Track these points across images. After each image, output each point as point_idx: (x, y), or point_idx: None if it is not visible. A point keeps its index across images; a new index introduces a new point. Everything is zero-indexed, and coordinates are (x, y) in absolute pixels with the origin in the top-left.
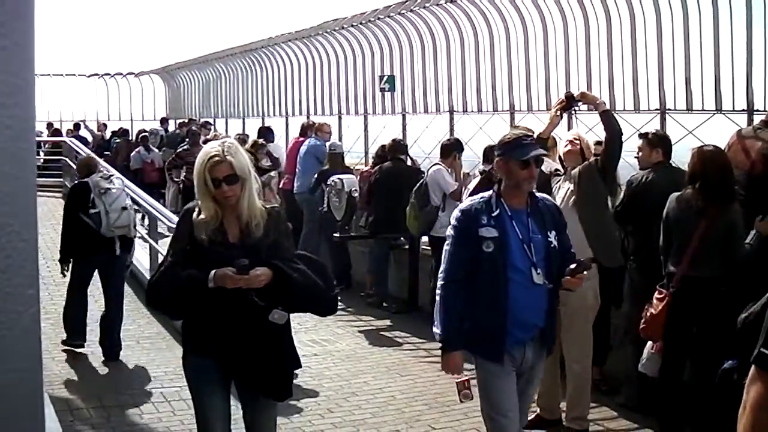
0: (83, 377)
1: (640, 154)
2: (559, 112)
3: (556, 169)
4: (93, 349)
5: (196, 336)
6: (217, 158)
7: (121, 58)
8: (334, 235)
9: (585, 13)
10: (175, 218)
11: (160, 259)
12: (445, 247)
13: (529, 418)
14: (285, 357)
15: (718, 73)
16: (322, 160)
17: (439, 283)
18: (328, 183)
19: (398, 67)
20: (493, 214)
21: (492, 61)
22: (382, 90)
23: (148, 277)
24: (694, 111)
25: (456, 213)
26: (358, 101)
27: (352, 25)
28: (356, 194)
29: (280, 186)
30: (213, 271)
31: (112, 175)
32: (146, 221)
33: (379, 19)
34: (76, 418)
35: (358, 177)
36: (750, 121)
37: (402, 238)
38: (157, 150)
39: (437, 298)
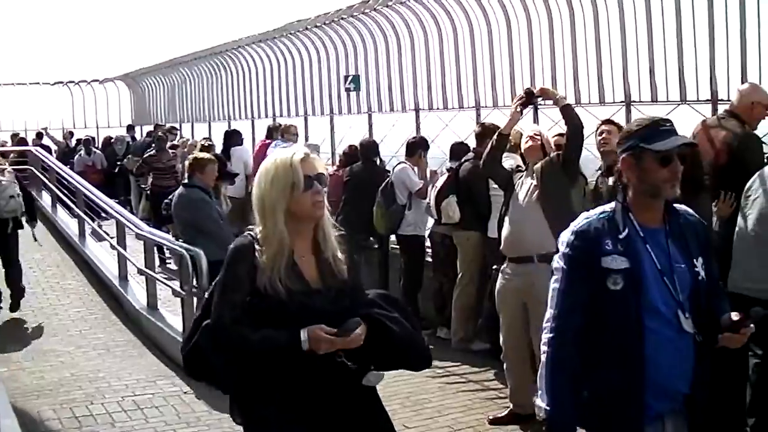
0: (54, 387)
1: (611, 137)
2: (519, 108)
3: (518, 165)
4: (64, 359)
5: (265, 413)
6: (305, 152)
7: (84, 65)
8: None
9: (548, 7)
10: (144, 225)
11: (131, 267)
12: (552, 285)
13: (501, 415)
14: (384, 426)
15: (681, 64)
16: None
17: (546, 335)
18: None
19: (363, 66)
20: (620, 236)
21: (456, 58)
22: (348, 90)
23: (117, 284)
24: (658, 102)
25: (567, 236)
26: (324, 102)
27: (316, 26)
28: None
29: (248, 189)
30: (304, 331)
31: (5, 169)
32: (108, 226)
33: (342, 19)
34: (47, 428)
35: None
36: (714, 110)
37: (371, 238)
38: (99, 152)
39: (543, 357)
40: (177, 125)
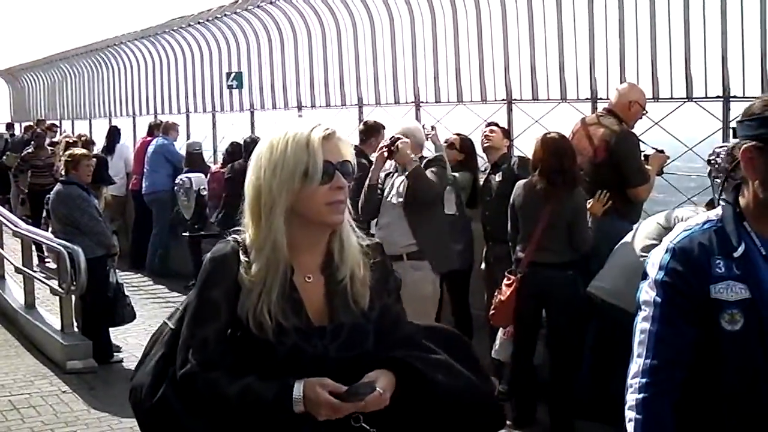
0: None
1: (493, 137)
2: (385, 153)
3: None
4: None
5: None
6: (328, 131)
7: None
8: (184, 234)
9: (431, 5)
10: (21, 223)
11: (8, 266)
12: (641, 324)
13: None
14: None
15: (562, 63)
16: (170, 159)
17: (637, 396)
18: (176, 182)
19: (246, 63)
20: (735, 254)
21: (339, 55)
22: (230, 87)
23: None
24: (539, 100)
25: (660, 255)
26: (206, 99)
27: (199, 22)
28: (205, 192)
29: (129, 187)
30: (299, 386)
31: None
32: None
33: (225, 15)
34: None
35: (209, 176)
36: (594, 109)
37: None
38: None
39: (630, 426)
40: (57, 122)
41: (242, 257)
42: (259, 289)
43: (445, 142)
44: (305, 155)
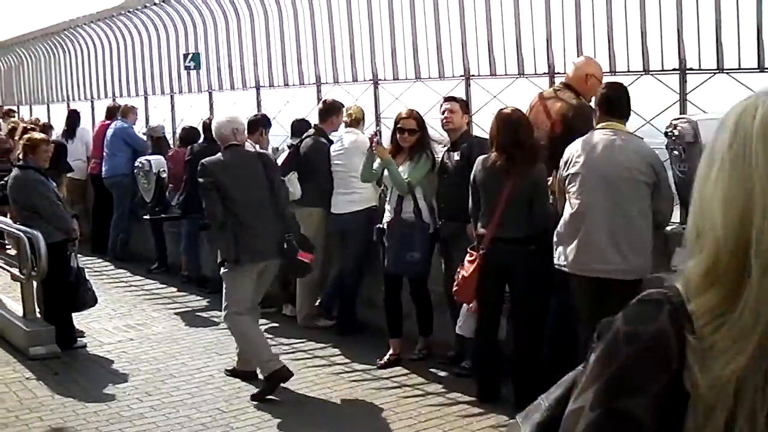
0: None
1: (453, 116)
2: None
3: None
4: None
5: None
6: None
7: None
8: (145, 217)
9: None
10: None
11: None
12: None
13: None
14: None
15: (519, 38)
16: (130, 143)
17: None
18: (136, 165)
19: (203, 44)
20: None
21: (297, 35)
22: (188, 68)
23: None
24: (497, 76)
25: None
26: (164, 81)
27: (155, 4)
28: (164, 175)
29: (89, 171)
30: None
31: None
32: None
33: None
34: None
35: (168, 158)
36: (551, 83)
37: None
38: None
39: None
40: (15, 107)
41: (691, 339)
42: (729, 403)
43: (399, 127)
44: None
